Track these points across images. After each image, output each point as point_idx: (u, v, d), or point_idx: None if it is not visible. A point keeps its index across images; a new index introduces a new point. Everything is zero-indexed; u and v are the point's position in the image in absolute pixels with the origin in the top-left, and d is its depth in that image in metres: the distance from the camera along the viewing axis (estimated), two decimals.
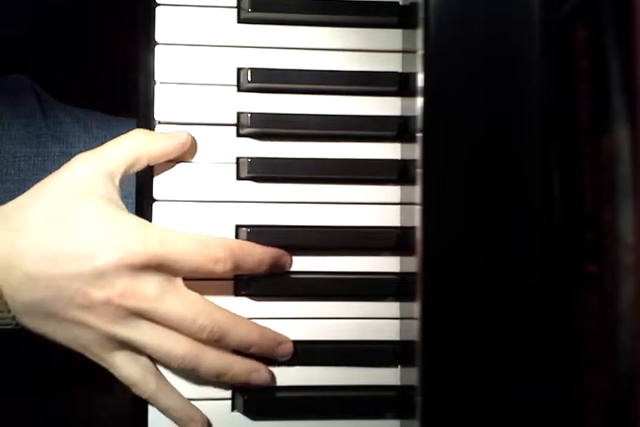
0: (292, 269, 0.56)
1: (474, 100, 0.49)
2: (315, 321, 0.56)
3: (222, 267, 0.53)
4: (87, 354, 0.54)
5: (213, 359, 0.53)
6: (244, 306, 0.55)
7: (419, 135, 0.50)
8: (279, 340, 0.55)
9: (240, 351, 0.54)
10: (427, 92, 0.50)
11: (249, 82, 0.56)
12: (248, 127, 0.56)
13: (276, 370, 0.55)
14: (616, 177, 0.46)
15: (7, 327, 0.53)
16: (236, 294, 0.56)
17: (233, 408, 0.56)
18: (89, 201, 0.52)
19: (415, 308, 0.50)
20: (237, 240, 0.55)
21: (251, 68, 0.56)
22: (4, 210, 0.53)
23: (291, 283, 0.55)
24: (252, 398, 0.55)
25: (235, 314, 0.54)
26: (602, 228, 0.47)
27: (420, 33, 0.50)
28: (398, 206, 0.56)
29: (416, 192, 0.50)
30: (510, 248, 0.49)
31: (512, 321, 0.49)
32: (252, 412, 0.55)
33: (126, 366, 0.53)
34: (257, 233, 0.55)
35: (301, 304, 0.56)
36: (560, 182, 0.49)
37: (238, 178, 0.56)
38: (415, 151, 0.51)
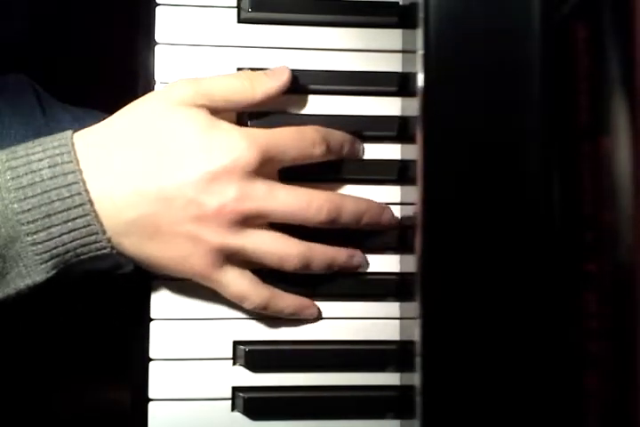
0: None
1: (474, 101, 0.49)
2: (315, 321, 0.56)
3: (320, 150, 0.53)
4: (192, 276, 0.52)
5: (321, 253, 0.54)
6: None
7: (418, 135, 0.50)
8: (382, 205, 0.56)
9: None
10: (427, 92, 0.50)
11: None
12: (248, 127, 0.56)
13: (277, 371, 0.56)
14: (616, 177, 0.46)
15: (102, 252, 0.51)
16: None
17: (233, 408, 0.56)
18: (187, 110, 0.51)
19: (415, 308, 0.50)
20: None
21: (251, 69, 0.56)
22: (97, 128, 0.52)
23: (290, 283, 0.55)
24: (252, 398, 0.55)
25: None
26: (602, 228, 0.47)
27: (420, 33, 0.50)
28: (398, 206, 0.57)
29: (416, 192, 0.50)
30: (510, 248, 0.49)
31: (512, 321, 0.49)
32: (251, 412, 0.55)
33: (236, 282, 0.53)
34: None
35: None
36: (560, 182, 0.49)
37: None
38: (415, 151, 0.51)
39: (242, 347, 0.55)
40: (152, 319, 0.55)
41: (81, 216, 0.50)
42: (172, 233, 0.50)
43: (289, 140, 0.53)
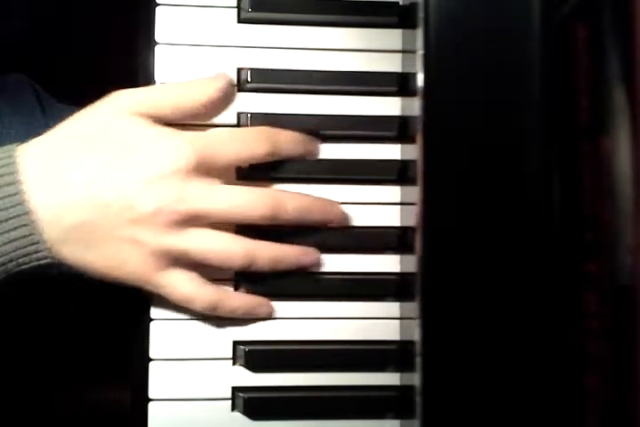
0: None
1: (474, 101, 0.49)
2: (315, 321, 0.56)
3: (263, 148, 0.53)
4: (134, 281, 0.53)
5: (268, 251, 0.54)
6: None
7: (419, 135, 0.50)
8: (330, 202, 0.56)
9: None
10: (427, 92, 0.50)
11: (249, 82, 0.56)
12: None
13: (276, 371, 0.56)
14: (616, 177, 0.46)
15: (44, 262, 0.51)
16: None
17: (233, 408, 0.56)
18: (128, 119, 0.52)
19: (415, 308, 0.50)
20: None
21: (251, 68, 0.56)
22: (43, 139, 0.52)
23: (290, 283, 0.55)
24: (252, 398, 0.55)
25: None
26: (602, 228, 0.47)
27: (420, 33, 0.50)
28: (398, 206, 0.57)
29: (416, 192, 0.50)
30: (510, 248, 0.49)
31: (512, 321, 0.49)
32: (252, 412, 0.55)
33: (181, 284, 0.53)
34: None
35: (301, 304, 0.56)
36: (560, 182, 0.49)
37: (238, 178, 0.56)
38: (415, 151, 0.51)
39: (242, 347, 0.55)
40: (152, 319, 0.55)
41: (21, 226, 0.50)
42: (109, 239, 0.51)
43: (227, 141, 0.53)
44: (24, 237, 0.51)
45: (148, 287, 0.53)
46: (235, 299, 0.55)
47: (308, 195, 0.55)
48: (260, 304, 0.55)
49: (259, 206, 0.53)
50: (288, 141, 0.55)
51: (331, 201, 0.56)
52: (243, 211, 0.53)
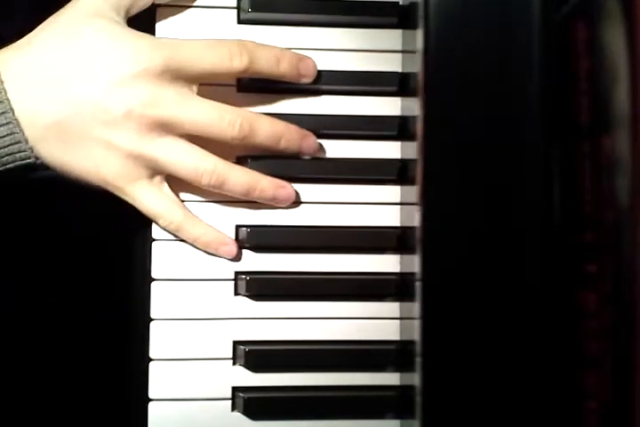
0: (292, 269, 0.56)
1: (474, 100, 0.49)
2: (315, 321, 0.56)
3: (239, 62, 0.53)
4: (109, 187, 0.53)
5: (241, 173, 0.54)
6: (243, 306, 0.56)
7: (418, 135, 0.50)
8: (303, 132, 0.55)
9: None
10: (427, 92, 0.50)
11: (249, 82, 0.56)
12: None
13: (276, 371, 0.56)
14: (616, 177, 0.46)
15: (27, 162, 0.52)
16: (236, 293, 0.56)
17: (233, 408, 0.56)
18: (98, 21, 0.53)
19: (415, 308, 0.50)
20: None
21: None
22: (19, 45, 0.53)
23: (291, 283, 0.55)
24: (252, 398, 0.55)
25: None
26: (602, 228, 0.47)
27: (419, 33, 0.50)
28: (398, 206, 0.57)
29: (416, 192, 0.50)
30: (510, 248, 0.49)
31: (512, 321, 0.49)
32: (251, 412, 0.55)
33: (151, 197, 0.54)
34: (257, 233, 0.55)
35: (301, 304, 0.56)
36: (560, 182, 0.49)
37: None
38: (415, 151, 0.51)
39: (242, 347, 0.55)
40: (152, 319, 0.55)
41: (3, 124, 0.51)
42: (85, 139, 0.52)
43: (201, 50, 0.53)
44: (7, 135, 0.52)
45: (121, 195, 0.54)
46: (199, 226, 0.55)
47: (283, 122, 0.55)
48: (222, 241, 0.55)
49: (232, 123, 0.53)
50: (268, 58, 0.54)
51: (304, 132, 0.55)
52: (216, 125, 0.53)
